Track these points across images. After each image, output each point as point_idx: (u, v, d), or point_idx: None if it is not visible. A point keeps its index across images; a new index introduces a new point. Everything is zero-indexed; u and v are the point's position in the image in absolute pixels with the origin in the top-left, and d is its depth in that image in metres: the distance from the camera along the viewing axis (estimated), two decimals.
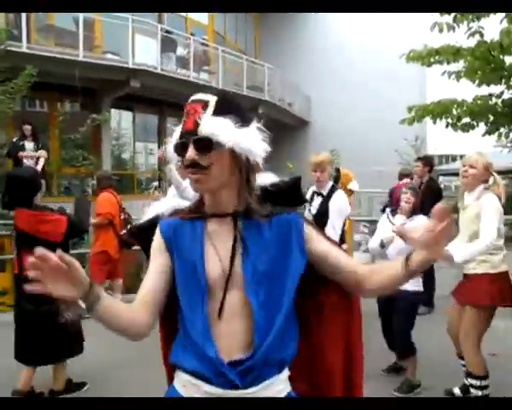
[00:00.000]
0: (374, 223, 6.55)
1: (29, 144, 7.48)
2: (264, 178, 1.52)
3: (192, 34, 14.59)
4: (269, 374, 1.37)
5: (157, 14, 14.41)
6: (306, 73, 18.87)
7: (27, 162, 7.20)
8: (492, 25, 6.03)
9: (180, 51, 14.00)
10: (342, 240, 4.43)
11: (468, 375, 3.42)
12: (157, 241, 1.48)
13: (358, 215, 10.21)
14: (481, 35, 5.79)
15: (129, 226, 5.90)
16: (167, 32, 13.33)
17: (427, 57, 6.50)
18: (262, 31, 20.42)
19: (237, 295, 1.38)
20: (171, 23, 14.30)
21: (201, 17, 16.51)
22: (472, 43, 6.02)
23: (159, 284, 1.43)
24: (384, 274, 1.44)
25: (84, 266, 6.19)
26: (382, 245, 3.89)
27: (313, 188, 4.35)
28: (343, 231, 4.44)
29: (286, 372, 1.44)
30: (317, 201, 4.27)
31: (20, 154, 7.32)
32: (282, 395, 1.41)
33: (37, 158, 7.30)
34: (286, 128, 19.51)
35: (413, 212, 3.91)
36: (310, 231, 1.48)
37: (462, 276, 3.59)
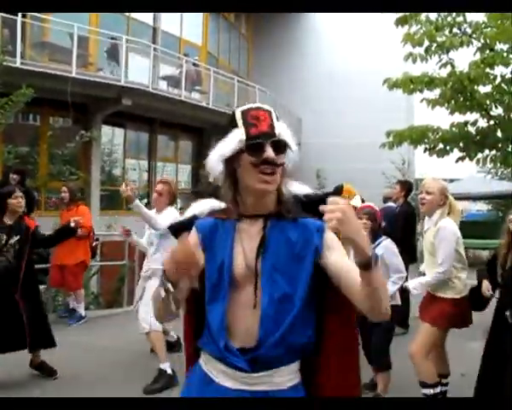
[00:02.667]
0: None
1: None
2: (298, 188, 1.67)
3: (185, 54, 14.88)
4: (276, 364, 1.50)
5: (151, 33, 14.73)
6: (297, 96, 19.19)
7: None
8: (464, 56, 6.31)
9: (172, 71, 14.27)
10: None
11: (421, 385, 3.56)
12: (193, 237, 1.60)
13: None
14: (452, 66, 6.05)
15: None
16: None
17: (404, 85, 6.75)
18: (255, 53, 20.82)
19: (255, 291, 1.51)
20: (165, 43, 14.58)
21: (195, 38, 16.85)
22: (445, 73, 6.29)
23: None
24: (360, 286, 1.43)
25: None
26: None
27: None
28: None
29: (296, 364, 1.55)
30: None
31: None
32: (289, 384, 1.52)
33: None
34: None
35: (376, 236, 3.99)
36: (331, 240, 1.53)
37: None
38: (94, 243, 6.21)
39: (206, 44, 17.46)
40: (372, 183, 15.00)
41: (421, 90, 6.53)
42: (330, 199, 1.33)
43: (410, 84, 6.68)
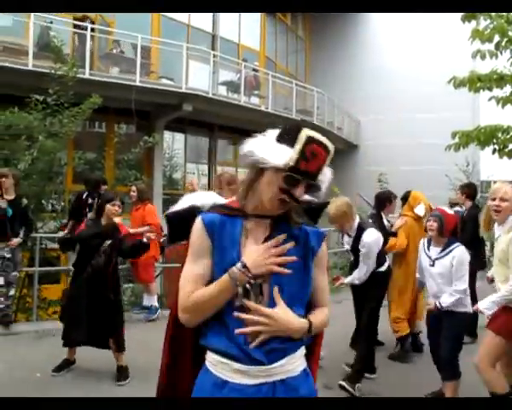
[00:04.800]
0: None
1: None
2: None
3: (244, 60, 15.06)
4: (289, 352, 1.60)
5: (211, 40, 15.02)
6: (356, 98, 18.90)
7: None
8: None
9: (231, 76, 14.48)
10: None
11: (492, 396, 3.42)
12: (200, 233, 1.61)
13: None
14: None
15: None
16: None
17: (470, 84, 6.48)
18: (312, 56, 20.72)
19: (265, 287, 1.59)
20: (224, 49, 14.83)
21: (253, 43, 17.03)
22: None
23: (207, 276, 1.61)
24: None
25: None
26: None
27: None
28: None
29: (302, 350, 1.67)
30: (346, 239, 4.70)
31: None
32: (299, 369, 1.63)
33: None
34: (335, 152, 19.48)
35: (449, 241, 3.90)
36: (322, 253, 1.71)
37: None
38: (162, 239, 6.57)
39: (264, 49, 17.60)
40: (434, 185, 14.51)
41: (489, 88, 6.23)
42: (252, 307, 1.54)
43: (476, 83, 6.40)
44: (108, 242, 4.37)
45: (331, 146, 1.61)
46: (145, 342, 4.97)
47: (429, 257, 3.97)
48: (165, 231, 6.94)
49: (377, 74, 18.83)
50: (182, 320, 1.63)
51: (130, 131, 12.87)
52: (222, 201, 1.77)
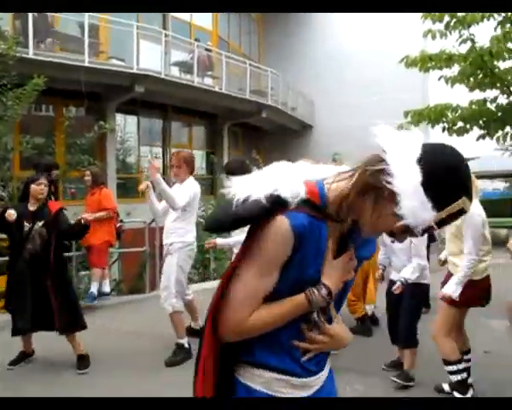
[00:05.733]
0: None
1: None
2: None
3: (196, 40, 14.81)
4: (327, 357, 1.52)
5: (161, 19, 14.65)
6: (309, 78, 19.03)
7: None
8: (484, 32, 6.17)
9: (184, 57, 14.21)
10: None
11: (445, 363, 3.63)
12: (286, 242, 1.25)
13: None
14: (473, 42, 5.92)
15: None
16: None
17: (422, 63, 6.63)
18: (265, 36, 20.62)
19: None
20: (176, 29, 14.51)
21: (205, 23, 16.75)
22: (464, 49, 6.16)
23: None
24: None
25: None
26: None
27: None
28: None
29: None
30: None
31: None
32: (327, 370, 1.53)
33: None
34: (289, 132, 19.66)
35: None
36: None
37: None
38: (118, 224, 6.45)
39: (217, 29, 17.37)
40: None
41: (440, 68, 6.41)
42: (322, 328, 1.37)
43: (428, 62, 6.56)
44: (40, 223, 4.20)
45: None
46: (105, 329, 4.89)
47: None
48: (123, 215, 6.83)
49: (331, 55, 18.99)
50: (225, 339, 1.37)
51: (79, 114, 12.41)
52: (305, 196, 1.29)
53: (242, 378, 1.40)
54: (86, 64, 10.70)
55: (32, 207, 4.27)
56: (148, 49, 12.73)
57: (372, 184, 1.25)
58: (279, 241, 1.25)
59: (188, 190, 4.43)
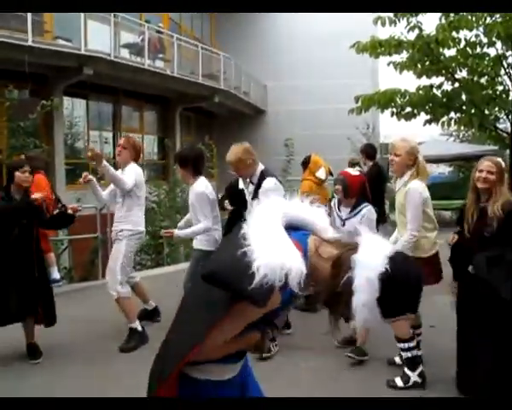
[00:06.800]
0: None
1: None
2: None
3: (147, 21, 14.45)
4: None
5: None
6: (262, 62, 19.04)
7: None
8: (431, 20, 6.39)
9: (134, 38, 13.85)
10: None
11: (398, 340, 3.73)
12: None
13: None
14: (420, 29, 6.12)
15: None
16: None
17: (372, 49, 6.79)
18: (218, 19, 20.40)
19: None
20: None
21: None
22: (413, 36, 6.36)
23: None
24: None
25: None
26: None
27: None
28: None
29: None
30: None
31: None
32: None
33: None
34: (242, 117, 19.65)
35: (357, 201, 4.12)
36: None
37: None
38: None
39: None
40: (339, 149, 15.21)
41: (389, 54, 6.59)
42: None
43: (378, 48, 6.72)
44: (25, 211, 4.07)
45: None
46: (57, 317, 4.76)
47: (340, 217, 4.19)
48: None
49: (283, 40, 19.06)
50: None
51: (23, 96, 11.86)
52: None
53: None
54: (30, 43, 10.22)
55: (16, 195, 4.09)
56: (96, 30, 12.32)
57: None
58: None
59: (131, 174, 4.39)
